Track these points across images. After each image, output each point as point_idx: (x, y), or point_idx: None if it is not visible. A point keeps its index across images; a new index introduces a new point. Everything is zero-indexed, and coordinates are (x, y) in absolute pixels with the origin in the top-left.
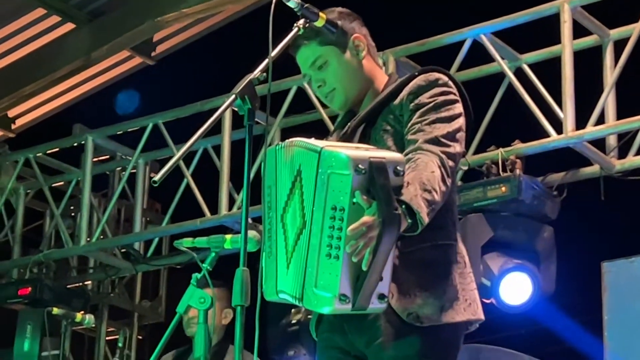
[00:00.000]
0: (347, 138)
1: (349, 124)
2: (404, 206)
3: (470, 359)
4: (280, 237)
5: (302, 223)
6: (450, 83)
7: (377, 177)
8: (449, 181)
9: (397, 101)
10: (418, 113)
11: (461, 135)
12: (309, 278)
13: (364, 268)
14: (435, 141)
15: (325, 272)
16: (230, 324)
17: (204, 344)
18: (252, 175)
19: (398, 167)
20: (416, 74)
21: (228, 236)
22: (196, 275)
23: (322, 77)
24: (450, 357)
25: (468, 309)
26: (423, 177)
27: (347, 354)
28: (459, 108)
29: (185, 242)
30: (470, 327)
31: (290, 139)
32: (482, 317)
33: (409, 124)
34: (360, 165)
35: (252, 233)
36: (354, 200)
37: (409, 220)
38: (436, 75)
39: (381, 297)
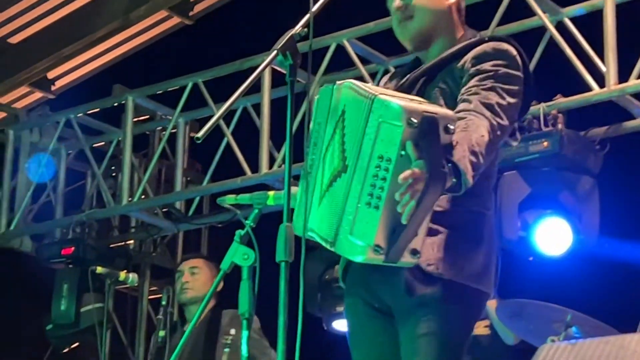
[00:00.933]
0: (403, 89)
1: (408, 75)
2: (450, 165)
3: (512, 314)
4: (319, 175)
5: (341, 166)
6: (518, 58)
7: (428, 131)
8: (494, 149)
9: (460, 63)
10: (477, 77)
11: (513, 113)
12: (345, 224)
13: (404, 221)
14: (489, 107)
15: (363, 221)
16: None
17: (247, 301)
18: (293, 131)
19: (449, 125)
20: (486, 39)
21: (271, 193)
22: (239, 232)
23: (406, 1)
24: (469, 314)
25: (486, 280)
26: (472, 139)
27: (370, 306)
28: (519, 85)
29: (228, 199)
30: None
31: (346, 80)
32: (492, 293)
33: (466, 86)
34: (412, 118)
35: (295, 189)
36: (403, 152)
37: (454, 180)
38: (506, 46)
39: (413, 252)
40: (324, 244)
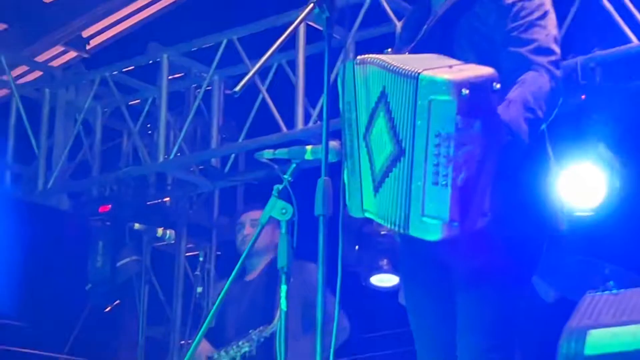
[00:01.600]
0: (424, 43)
1: (425, 26)
2: (505, 125)
3: (550, 270)
4: (364, 157)
5: (397, 150)
6: None
7: (479, 98)
8: (559, 93)
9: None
10: (516, 19)
11: (558, 45)
12: (415, 207)
13: (471, 192)
14: (539, 51)
15: (433, 200)
16: None
17: (286, 255)
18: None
19: (494, 83)
20: None
21: (309, 147)
22: (277, 187)
23: None
24: (528, 272)
25: (548, 223)
26: (528, 95)
27: (428, 262)
28: (554, 17)
29: (266, 154)
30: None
31: (365, 56)
32: (562, 228)
33: (506, 33)
34: (462, 89)
35: (332, 144)
36: (459, 124)
37: (510, 139)
38: None
39: (483, 214)
40: (390, 226)
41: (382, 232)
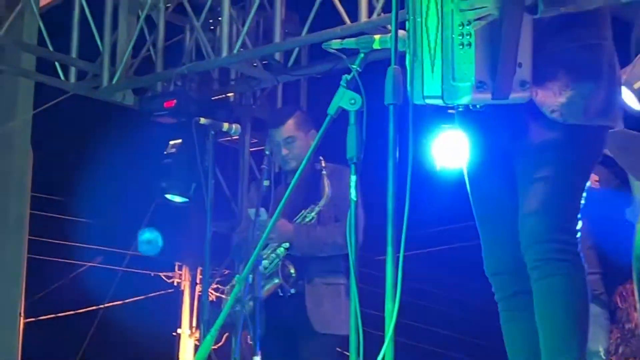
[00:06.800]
0: None
1: None
2: None
3: (620, 147)
4: (425, 40)
5: (437, 21)
6: None
7: None
8: None
9: None
10: None
11: None
12: (447, 72)
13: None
14: None
15: (461, 62)
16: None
17: (355, 145)
18: None
19: None
20: None
21: (377, 36)
22: (346, 77)
23: None
24: (590, 157)
25: (610, 113)
26: None
27: (491, 150)
28: None
29: (334, 44)
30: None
31: None
32: (622, 125)
33: None
34: None
35: (401, 32)
36: None
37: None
38: None
39: (522, 84)
40: (436, 102)
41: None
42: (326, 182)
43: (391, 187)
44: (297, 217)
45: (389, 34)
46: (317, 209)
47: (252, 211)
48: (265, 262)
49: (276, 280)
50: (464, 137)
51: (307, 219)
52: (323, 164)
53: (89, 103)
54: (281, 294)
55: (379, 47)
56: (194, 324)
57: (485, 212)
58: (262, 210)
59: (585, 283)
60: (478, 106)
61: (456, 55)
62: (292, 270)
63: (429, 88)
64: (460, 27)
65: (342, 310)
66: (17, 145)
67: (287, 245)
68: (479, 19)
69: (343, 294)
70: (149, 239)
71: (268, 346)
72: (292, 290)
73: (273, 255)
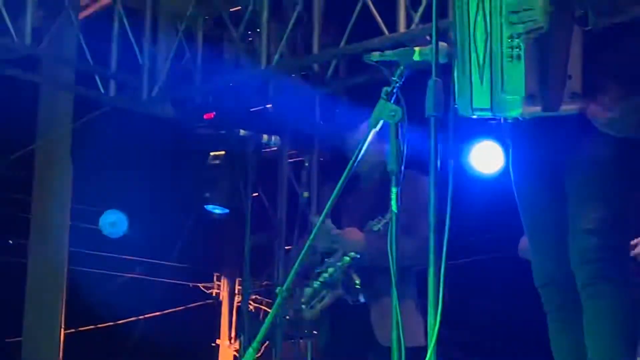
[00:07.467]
0: None
1: None
2: None
3: None
4: (473, 54)
5: (486, 34)
6: None
7: None
8: None
9: None
10: None
11: None
12: (496, 84)
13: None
14: None
15: (510, 75)
16: None
17: (396, 159)
18: None
19: None
20: None
21: (417, 48)
22: (386, 89)
23: None
24: None
25: None
26: None
27: (540, 162)
28: None
29: (374, 57)
30: None
31: None
32: None
33: None
34: None
35: (442, 44)
36: None
37: (581, 11)
38: None
39: (573, 96)
40: (485, 114)
41: None
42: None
43: (433, 198)
44: (366, 227)
45: (429, 46)
46: (383, 221)
47: (316, 218)
48: (330, 270)
49: (338, 291)
50: (511, 149)
51: (375, 230)
52: None
53: (128, 115)
54: (351, 303)
55: (419, 59)
56: (233, 334)
57: (535, 225)
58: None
59: (635, 303)
60: (528, 118)
61: (505, 68)
62: (357, 281)
63: (477, 100)
64: (510, 40)
65: (409, 323)
66: (57, 157)
67: (352, 254)
68: (528, 31)
69: (411, 307)
70: (113, 220)
71: (331, 356)
72: (362, 299)
73: (339, 264)
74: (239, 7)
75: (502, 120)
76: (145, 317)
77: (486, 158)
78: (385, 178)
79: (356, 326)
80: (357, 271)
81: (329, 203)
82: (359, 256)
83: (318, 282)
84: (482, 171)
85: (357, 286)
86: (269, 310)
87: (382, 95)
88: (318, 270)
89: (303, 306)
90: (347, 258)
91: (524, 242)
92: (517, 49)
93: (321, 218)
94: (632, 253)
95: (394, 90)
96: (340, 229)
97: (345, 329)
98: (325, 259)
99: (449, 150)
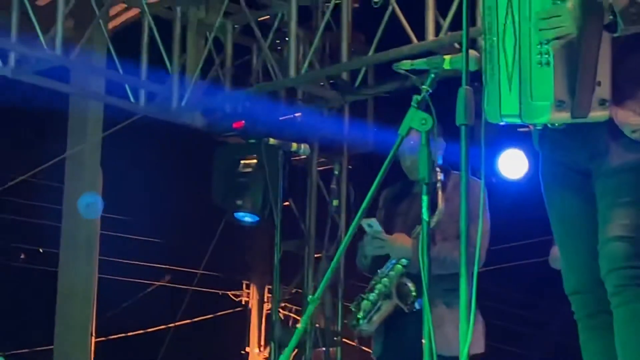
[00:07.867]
0: None
1: None
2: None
3: None
4: (502, 60)
5: (515, 40)
6: None
7: None
8: None
9: None
10: None
11: None
12: (525, 91)
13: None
14: None
15: (539, 81)
16: None
17: (427, 166)
18: None
19: None
20: None
21: (447, 56)
22: (416, 97)
23: None
24: None
25: None
26: None
27: (569, 169)
28: None
29: (404, 65)
30: None
31: None
32: None
33: None
34: None
35: (472, 52)
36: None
37: (611, 17)
38: None
39: (602, 102)
40: (514, 121)
41: None
42: (440, 196)
43: (464, 205)
44: (413, 232)
45: (459, 54)
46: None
47: (365, 222)
48: (384, 281)
49: (394, 300)
50: (540, 157)
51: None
52: (439, 176)
53: (158, 124)
54: (407, 311)
55: (449, 68)
56: (262, 342)
57: (564, 232)
58: (373, 220)
59: None
60: (557, 125)
61: (534, 74)
62: (413, 289)
63: (506, 107)
64: (539, 46)
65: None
66: (87, 167)
67: (404, 262)
68: (557, 38)
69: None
70: (88, 202)
71: None
72: (417, 306)
73: (392, 273)
74: (268, 17)
75: (531, 128)
76: (174, 325)
77: (513, 164)
78: (433, 182)
79: (412, 333)
80: (411, 278)
81: (364, 204)
82: (407, 262)
83: (374, 294)
84: (509, 177)
85: (413, 292)
86: (298, 317)
87: (413, 103)
88: (373, 283)
89: (361, 321)
90: (400, 266)
91: (555, 252)
92: (546, 55)
93: (356, 219)
94: None
95: (425, 99)
96: (391, 234)
97: (399, 338)
98: (378, 270)
99: (480, 157)
